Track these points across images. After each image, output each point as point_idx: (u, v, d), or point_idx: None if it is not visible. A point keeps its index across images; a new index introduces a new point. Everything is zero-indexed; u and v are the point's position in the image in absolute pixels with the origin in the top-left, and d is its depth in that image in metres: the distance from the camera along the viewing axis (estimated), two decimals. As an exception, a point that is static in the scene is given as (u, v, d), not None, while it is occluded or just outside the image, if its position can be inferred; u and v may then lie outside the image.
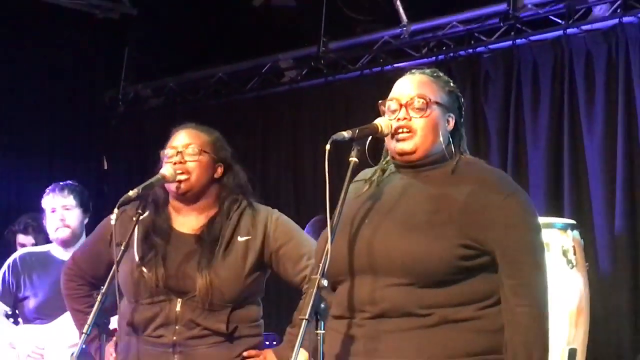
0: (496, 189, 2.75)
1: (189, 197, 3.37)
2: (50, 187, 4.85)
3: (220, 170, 3.41)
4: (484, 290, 2.72)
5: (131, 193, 3.25)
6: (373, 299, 2.71)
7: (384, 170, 2.92)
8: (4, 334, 4.74)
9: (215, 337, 3.27)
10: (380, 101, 2.86)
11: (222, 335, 3.27)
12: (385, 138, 2.83)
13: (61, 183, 4.87)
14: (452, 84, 2.93)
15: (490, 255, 2.70)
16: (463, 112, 2.93)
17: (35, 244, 5.47)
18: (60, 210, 4.76)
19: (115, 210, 3.24)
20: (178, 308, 3.26)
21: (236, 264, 3.30)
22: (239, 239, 3.34)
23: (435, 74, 2.91)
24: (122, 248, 3.25)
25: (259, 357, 3.33)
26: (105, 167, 7.97)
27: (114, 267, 3.24)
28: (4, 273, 4.78)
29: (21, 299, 4.73)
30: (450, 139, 2.85)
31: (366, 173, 2.92)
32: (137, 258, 3.32)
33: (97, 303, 3.17)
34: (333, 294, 2.79)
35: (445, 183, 2.79)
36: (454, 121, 2.86)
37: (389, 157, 2.90)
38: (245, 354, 3.31)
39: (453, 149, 2.85)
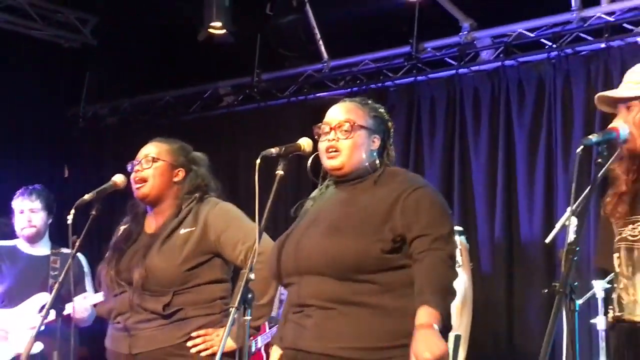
0: (407, 184, 2.75)
1: (150, 201, 3.33)
2: (20, 191, 4.78)
3: (181, 174, 3.35)
4: (403, 281, 2.67)
5: (86, 197, 3.29)
6: (312, 293, 2.70)
7: (327, 186, 2.91)
8: None
9: (161, 319, 3.18)
10: (314, 125, 2.87)
11: (165, 318, 3.18)
12: (321, 157, 2.83)
13: (29, 187, 4.80)
14: (379, 110, 2.90)
15: (405, 242, 2.68)
16: (391, 133, 2.91)
17: None
18: (28, 212, 4.70)
19: (72, 211, 3.26)
20: (129, 297, 3.20)
21: (171, 254, 3.20)
22: (181, 231, 3.24)
23: (363, 102, 2.90)
24: (78, 243, 3.26)
25: (207, 335, 3.18)
26: (66, 175, 7.87)
27: (69, 260, 3.24)
28: None
29: None
30: (376, 154, 2.84)
31: (314, 193, 2.91)
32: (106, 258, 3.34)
33: (54, 291, 3.19)
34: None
35: (368, 191, 2.78)
36: (379, 141, 2.84)
37: (329, 177, 2.90)
38: (193, 334, 3.17)
39: (378, 164, 2.83)
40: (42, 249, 4.76)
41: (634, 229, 2.62)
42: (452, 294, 2.65)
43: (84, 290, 4.57)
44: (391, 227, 2.68)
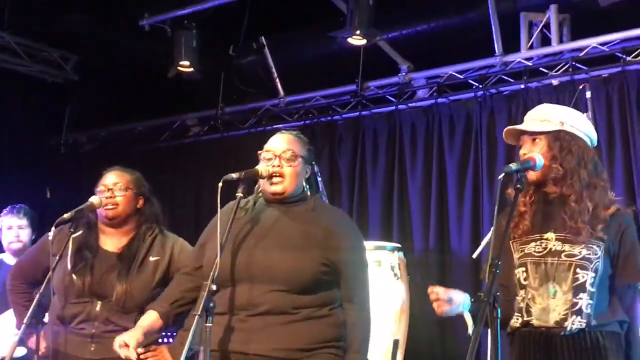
0: (338, 220, 2.85)
1: (116, 223, 3.34)
2: (7, 209, 4.71)
3: (141, 202, 3.38)
4: (333, 297, 2.78)
5: (66, 215, 3.24)
6: (254, 301, 2.69)
7: (255, 202, 2.89)
8: None
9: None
10: (259, 151, 2.87)
11: None
12: (260, 180, 2.83)
13: (17, 206, 4.75)
14: (309, 144, 2.95)
15: (335, 272, 2.78)
16: (316, 165, 2.96)
17: None
18: (16, 228, 4.65)
19: (53, 229, 3.22)
20: (97, 308, 3.20)
21: (147, 278, 3.26)
22: (151, 258, 3.30)
23: (298, 136, 2.92)
24: (57, 258, 3.19)
25: (154, 352, 3.10)
26: (48, 196, 7.75)
27: (50, 272, 3.19)
28: None
29: None
30: (306, 183, 2.88)
31: (236, 201, 2.80)
32: (69, 267, 3.25)
33: (35, 301, 3.12)
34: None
35: (309, 217, 2.81)
36: (310, 171, 2.89)
37: (260, 193, 2.89)
38: (139, 350, 3.04)
39: (309, 192, 2.87)
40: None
41: (537, 245, 2.65)
42: (368, 339, 2.82)
43: None
44: (325, 254, 2.75)
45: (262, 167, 2.82)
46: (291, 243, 2.74)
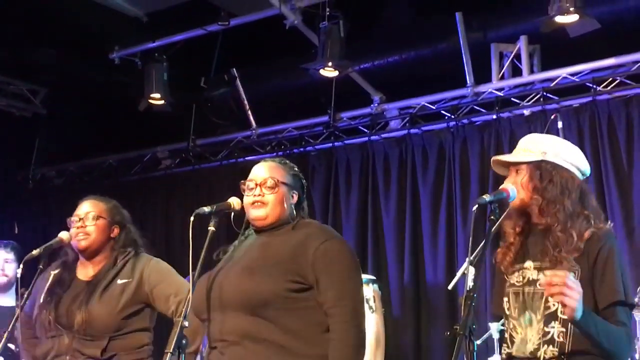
0: (317, 237, 2.72)
1: (89, 253, 3.28)
2: None
3: (116, 230, 3.33)
4: (306, 323, 2.62)
5: (35, 252, 3.21)
6: (224, 331, 2.64)
7: (246, 236, 2.86)
8: None
9: None
10: (241, 181, 2.83)
11: None
12: (246, 209, 2.78)
13: (4, 241, 4.68)
14: (295, 169, 2.90)
15: (313, 289, 2.64)
16: (305, 189, 2.90)
17: None
18: (2, 262, 4.57)
19: (21, 265, 3.21)
20: (66, 341, 3.12)
21: (110, 302, 3.16)
22: (119, 281, 3.21)
23: (282, 162, 2.88)
24: (26, 295, 3.17)
25: None
26: (16, 231, 7.65)
27: (17, 310, 3.17)
28: None
29: None
30: (294, 208, 2.83)
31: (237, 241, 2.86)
32: (40, 302, 3.22)
33: (3, 340, 3.09)
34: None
35: (284, 237, 2.75)
36: (297, 196, 2.83)
37: (250, 227, 2.85)
38: None
39: (295, 215, 2.81)
40: (9, 299, 4.55)
41: (518, 275, 2.66)
42: (359, 354, 2.61)
43: None
44: (298, 271, 2.64)
45: (234, 200, 2.81)
46: (252, 264, 2.68)
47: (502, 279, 2.74)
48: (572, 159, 2.72)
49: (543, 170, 2.66)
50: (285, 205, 2.79)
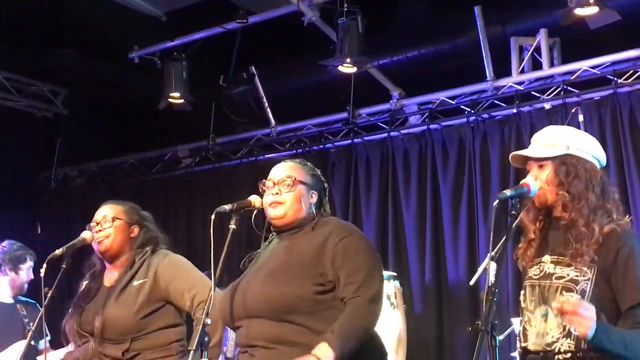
0: (336, 233, 2.73)
1: (110, 256, 3.29)
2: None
3: (136, 230, 3.32)
4: (333, 323, 2.61)
5: (57, 252, 3.23)
6: (251, 336, 2.67)
7: (269, 242, 2.88)
8: None
9: None
10: (260, 182, 2.85)
11: None
12: (265, 210, 2.80)
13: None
14: (316, 170, 2.92)
15: (335, 287, 2.66)
16: (326, 190, 2.92)
17: None
18: None
19: (44, 265, 3.23)
20: (92, 346, 3.14)
21: (126, 305, 3.16)
22: (134, 283, 3.20)
23: (302, 162, 2.91)
24: (49, 295, 3.18)
25: None
26: (39, 231, 7.73)
27: (42, 309, 3.19)
28: None
29: None
30: (315, 208, 2.84)
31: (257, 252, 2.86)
32: (69, 312, 3.26)
33: (27, 340, 3.13)
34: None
35: (305, 239, 2.76)
36: (317, 196, 2.84)
37: (272, 230, 2.87)
38: None
39: (315, 214, 2.82)
40: (6, 296, 4.55)
41: (536, 269, 2.66)
42: (359, 337, 2.60)
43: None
44: (321, 272, 2.67)
45: (255, 198, 2.82)
46: (275, 271, 2.70)
47: (525, 274, 2.73)
48: (592, 150, 2.71)
49: (569, 165, 2.63)
50: (304, 204, 2.81)
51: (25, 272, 4.50)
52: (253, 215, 2.86)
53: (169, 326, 3.24)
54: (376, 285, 2.68)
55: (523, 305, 2.66)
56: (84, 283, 3.35)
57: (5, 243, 4.66)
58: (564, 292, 2.52)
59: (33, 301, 4.48)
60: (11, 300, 4.50)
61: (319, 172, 2.94)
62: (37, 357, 3.50)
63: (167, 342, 3.22)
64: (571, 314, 2.33)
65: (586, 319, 2.32)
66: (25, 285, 4.51)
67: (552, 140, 2.69)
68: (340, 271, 2.65)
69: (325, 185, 2.93)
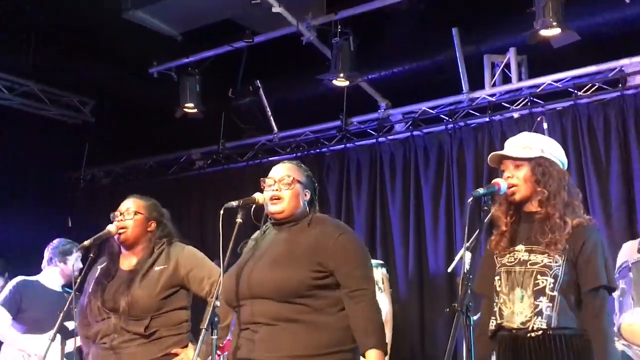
0: (332, 231, 2.75)
1: (128, 244, 3.27)
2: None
3: (153, 225, 3.30)
4: (335, 301, 2.68)
5: (86, 243, 3.21)
6: (255, 315, 2.67)
7: (264, 231, 2.88)
8: (13, 338, 4.43)
9: (141, 339, 3.11)
10: (261, 179, 2.86)
11: (144, 337, 3.11)
12: (265, 205, 2.80)
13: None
14: (309, 172, 2.93)
15: (332, 275, 2.68)
16: (317, 190, 2.93)
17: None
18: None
19: (75, 253, 3.23)
20: (113, 322, 3.12)
21: (149, 287, 3.15)
22: (156, 268, 3.20)
23: (298, 164, 2.91)
24: (79, 280, 3.18)
25: (177, 355, 3.12)
26: (69, 225, 7.72)
27: (72, 293, 3.18)
28: (12, 290, 4.47)
29: (20, 311, 4.44)
30: (307, 205, 2.84)
31: (256, 234, 2.88)
32: (90, 291, 3.24)
33: (58, 321, 3.11)
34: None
35: (303, 232, 2.76)
36: (309, 194, 2.85)
37: (268, 222, 2.87)
38: (173, 351, 3.11)
39: (308, 211, 2.83)
40: (57, 285, 4.58)
41: (510, 257, 2.67)
42: (381, 324, 2.68)
43: None
44: (319, 262, 2.67)
45: (258, 195, 2.82)
46: (279, 258, 2.71)
47: (492, 263, 2.73)
48: (560, 155, 2.75)
49: (544, 167, 2.67)
50: (300, 201, 2.81)
51: (73, 262, 4.49)
52: (252, 209, 2.84)
53: (182, 308, 3.25)
54: (372, 279, 2.75)
55: (498, 289, 2.66)
56: (101, 266, 3.31)
57: (56, 240, 4.69)
58: (538, 276, 2.54)
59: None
60: (60, 289, 4.53)
61: (311, 174, 2.95)
62: (69, 338, 3.48)
63: (179, 321, 3.23)
64: None
65: None
66: (74, 274, 4.52)
67: (528, 144, 2.72)
68: (340, 264, 2.67)
69: (316, 185, 2.93)
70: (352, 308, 2.64)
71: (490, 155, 2.78)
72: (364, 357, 2.63)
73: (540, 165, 2.67)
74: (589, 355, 2.53)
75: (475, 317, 2.46)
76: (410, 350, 5.84)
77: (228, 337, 3.25)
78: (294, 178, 2.81)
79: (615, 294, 3.94)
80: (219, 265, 2.71)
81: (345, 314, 2.67)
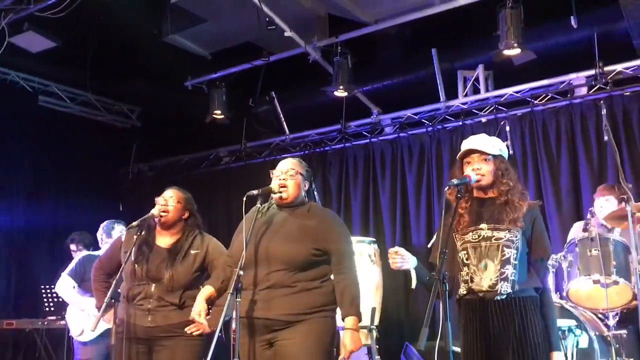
0: (328, 218, 2.84)
1: (165, 226, 3.28)
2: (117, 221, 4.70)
3: (186, 214, 3.32)
4: (323, 273, 2.77)
5: (134, 223, 3.23)
6: (265, 279, 2.71)
7: (269, 207, 2.91)
8: (78, 301, 4.45)
9: (172, 306, 3.14)
10: (270, 170, 2.90)
11: (177, 306, 3.14)
12: (272, 193, 2.85)
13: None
14: (308, 167, 2.96)
15: (327, 254, 2.76)
16: (313, 182, 2.97)
17: (77, 250, 5.11)
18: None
19: (124, 232, 3.23)
20: (152, 289, 3.15)
21: (187, 266, 3.19)
22: (192, 252, 3.23)
23: (299, 160, 2.95)
24: (127, 254, 3.17)
25: (197, 324, 3.07)
26: (121, 209, 7.74)
27: (123, 264, 3.19)
28: (78, 263, 4.50)
29: (84, 280, 4.46)
30: (306, 194, 2.90)
31: (256, 208, 2.84)
32: (133, 259, 3.22)
33: (113, 285, 3.12)
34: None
35: (306, 217, 2.82)
36: (308, 185, 2.91)
37: (273, 201, 2.90)
38: (191, 317, 3.05)
39: (306, 199, 2.90)
40: None
41: (473, 234, 2.66)
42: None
43: None
44: (319, 243, 2.76)
45: (274, 185, 2.85)
46: (291, 236, 2.75)
47: (454, 242, 2.71)
48: (506, 152, 2.77)
49: (504, 163, 2.70)
50: (301, 189, 2.86)
51: (117, 234, 4.53)
52: (270, 196, 2.87)
53: (202, 284, 3.24)
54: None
55: (467, 261, 2.65)
56: (136, 235, 3.25)
57: (104, 222, 4.73)
58: (504, 249, 2.56)
59: None
60: None
61: (310, 169, 2.99)
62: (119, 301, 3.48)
63: None
64: None
65: None
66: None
67: (490, 143, 2.72)
68: (332, 247, 2.75)
69: (312, 178, 2.98)
70: (339, 281, 2.73)
71: (464, 150, 2.77)
72: (343, 321, 2.72)
73: (502, 162, 2.69)
74: (538, 310, 2.57)
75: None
76: (396, 310, 5.86)
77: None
78: (296, 171, 2.86)
79: (564, 265, 3.96)
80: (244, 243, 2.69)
81: (330, 283, 2.75)
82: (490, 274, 2.58)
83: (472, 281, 2.63)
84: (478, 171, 2.67)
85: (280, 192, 2.83)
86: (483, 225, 2.66)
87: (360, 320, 2.69)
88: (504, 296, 2.54)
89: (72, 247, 5.19)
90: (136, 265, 3.19)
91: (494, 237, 2.60)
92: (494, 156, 2.69)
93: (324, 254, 2.76)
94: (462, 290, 2.67)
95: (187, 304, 3.14)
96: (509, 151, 2.97)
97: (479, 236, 2.64)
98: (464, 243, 2.68)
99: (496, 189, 2.67)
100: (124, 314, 3.19)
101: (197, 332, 3.03)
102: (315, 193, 3.01)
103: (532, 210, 2.65)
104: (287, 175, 2.84)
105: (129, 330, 3.13)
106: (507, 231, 2.59)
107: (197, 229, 3.34)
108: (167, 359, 3.10)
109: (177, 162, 7.85)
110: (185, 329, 3.04)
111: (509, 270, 2.56)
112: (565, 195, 5.26)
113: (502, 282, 2.56)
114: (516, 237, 2.58)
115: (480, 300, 2.61)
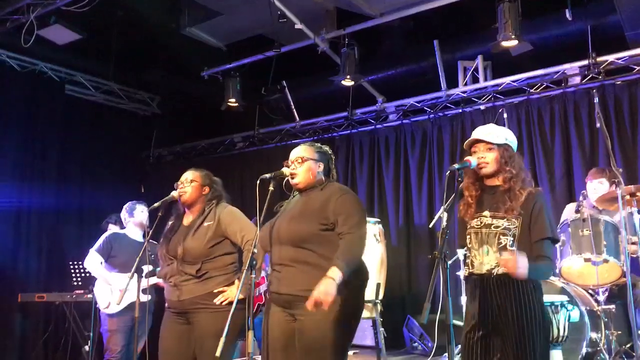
0: (337, 192, 2.72)
1: (187, 205, 3.26)
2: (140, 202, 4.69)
3: (207, 189, 3.27)
4: (332, 251, 2.61)
5: (155, 204, 3.23)
6: (279, 257, 2.70)
7: (293, 196, 2.88)
8: (105, 275, 4.46)
9: (194, 279, 3.10)
10: (284, 161, 2.87)
11: (197, 278, 3.09)
12: (288, 177, 2.82)
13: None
14: (322, 147, 2.87)
15: (334, 227, 2.64)
16: (331, 160, 2.88)
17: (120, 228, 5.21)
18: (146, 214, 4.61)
19: (145, 211, 3.22)
20: (175, 265, 3.14)
21: (199, 238, 3.12)
22: (205, 224, 3.16)
23: (311, 144, 2.87)
24: (150, 233, 3.18)
25: (224, 292, 3.08)
26: (142, 191, 7.78)
27: (145, 243, 3.20)
28: (104, 240, 4.52)
29: (110, 256, 4.50)
30: (322, 174, 2.82)
31: (287, 200, 2.87)
32: (161, 242, 3.25)
33: (136, 263, 3.14)
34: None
35: (316, 196, 2.75)
36: (324, 165, 2.83)
37: (295, 189, 2.88)
38: (216, 290, 3.06)
39: (324, 179, 2.82)
40: (139, 235, 4.61)
41: (477, 221, 2.66)
42: (355, 261, 2.59)
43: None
44: (325, 216, 2.65)
45: (285, 169, 2.84)
46: (297, 214, 2.72)
47: (465, 224, 2.73)
48: (514, 141, 2.73)
49: (508, 151, 2.65)
50: (312, 173, 2.79)
51: (139, 213, 4.56)
52: (284, 181, 2.85)
53: (227, 253, 3.21)
54: (364, 227, 2.68)
55: (469, 245, 2.65)
56: (170, 222, 3.33)
57: (127, 203, 4.71)
58: (501, 237, 2.54)
59: (155, 242, 4.54)
60: (141, 239, 4.54)
61: (326, 148, 2.89)
62: (144, 278, 3.52)
63: (226, 264, 3.20)
64: (511, 265, 2.38)
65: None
66: (145, 222, 4.48)
67: (496, 133, 2.69)
68: (339, 216, 2.64)
69: (332, 156, 2.89)
70: (342, 239, 2.59)
71: (468, 140, 2.75)
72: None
73: (507, 151, 2.65)
74: (536, 292, 2.56)
75: (450, 262, 2.46)
76: (399, 286, 5.87)
77: (262, 275, 3.26)
78: (303, 157, 2.80)
79: (558, 245, 3.96)
80: (256, 223, 2.71)
81: None
82: (490, 259, 2.59)
83: (472, 265, 2.64)
84: (482, 159, 2.65)
85: (292, 179, 2.81)
86: (486, 213, 2.65)
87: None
88: (502, 276, 2.54)
89: (111, 226, 5.19)
90: (162, 247, 3.23)
91: (493, 225, 2.60)
92: (499, 145, 2.66)
93: (332, 227, 2.64)
94: (465, 271, 2.70)
95: (208, 275, 3.11)
96: None
97: (481, 223, 2.63)
98: (469, 228, 2.68)
99: (501, 177, 2.65)
100: (164, 292, 3.22)
101: (226, 302, 3.04)
102: (334, 172, 2.90)
103: (533, 196, 2.61)
104: (296, 164, 2.81)
105: (169, 307, 3.16)
106: (504, 219, 2.58)
107: (216, 200, 3.28)
108: (199, 330, 3.09)
109: (195, 147, 7.86)
110: (215, 300, 3.04)
111: (505, 256, 2.55)
112: (558, 178, 5.24)
113: (500, 268, 2.55)
114: (513, 224, 2.57)
115: (480, 278, 2.62)
